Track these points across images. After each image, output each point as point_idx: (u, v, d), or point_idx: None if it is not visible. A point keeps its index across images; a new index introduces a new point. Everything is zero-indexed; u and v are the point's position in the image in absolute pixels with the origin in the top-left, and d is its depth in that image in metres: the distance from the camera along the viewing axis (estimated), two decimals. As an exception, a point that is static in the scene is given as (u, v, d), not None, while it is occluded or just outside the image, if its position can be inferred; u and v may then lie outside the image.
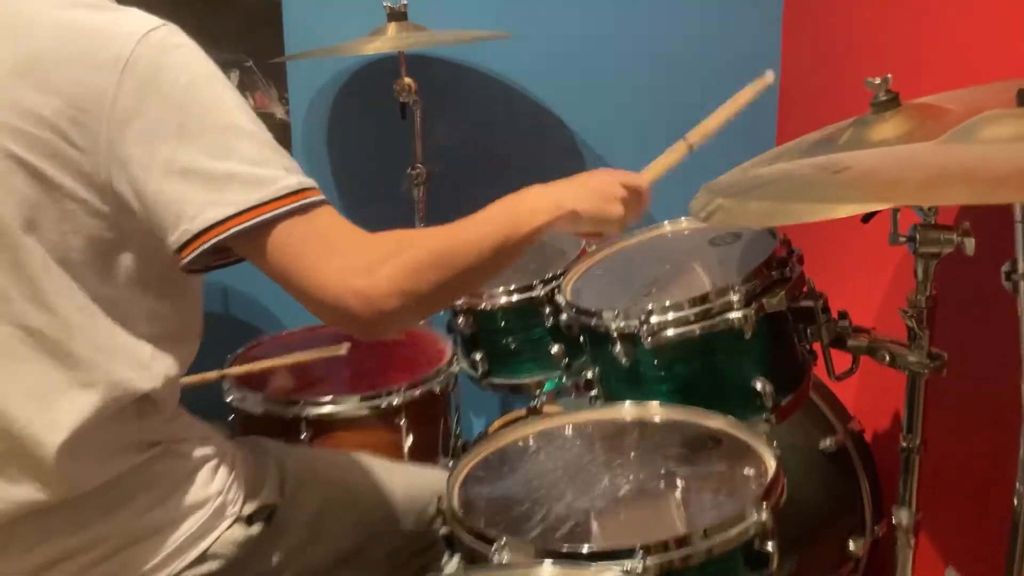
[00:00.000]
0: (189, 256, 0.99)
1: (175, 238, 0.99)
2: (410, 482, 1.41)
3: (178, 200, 0.98)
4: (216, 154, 0.98)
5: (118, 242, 1.04)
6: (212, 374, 1.70)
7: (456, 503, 1.17)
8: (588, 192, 1.20)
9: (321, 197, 1.02)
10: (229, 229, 0.97)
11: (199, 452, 1.17)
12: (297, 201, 1.00)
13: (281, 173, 1.00)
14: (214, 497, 1.16)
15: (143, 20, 1.01)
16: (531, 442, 1.34)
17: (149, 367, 1.09)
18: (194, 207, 0.97)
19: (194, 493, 1.14)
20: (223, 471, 1.18)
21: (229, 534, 1.16)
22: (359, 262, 1.00)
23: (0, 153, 0.98)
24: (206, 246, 0.98)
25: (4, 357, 1.03)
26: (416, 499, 1.38)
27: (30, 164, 0.99)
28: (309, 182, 1.02)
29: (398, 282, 1.00)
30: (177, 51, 1.00)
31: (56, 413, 1.04)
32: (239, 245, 1.00)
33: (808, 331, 1.36)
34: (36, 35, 1.00)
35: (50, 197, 1.00)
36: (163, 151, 0.97)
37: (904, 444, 1.25)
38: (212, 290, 2.23)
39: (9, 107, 0.98)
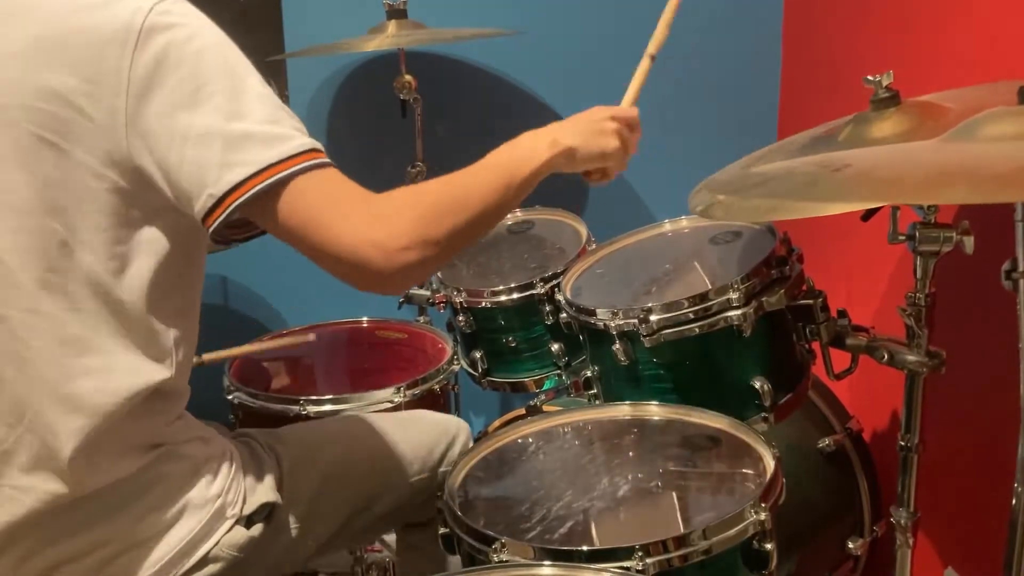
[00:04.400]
0: (215, 223, 1.00)
1: (200, 206, 1.00)
2: (414, 432, 1.40)
3: (199, 166, 0.99)
4: (231, 116, 0.99)
5: (141, 218, 1.04)
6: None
7: (455, 503, 1.17)
8: (581, 129, 1.23)
9: (329, 160, 1.04)
10: (251, 189, 0.98)
11: (200, 453, 1.17)
12: (313, 159, 1.01)
13: (295, 132, 1.02)
14: (214, 499, 1.15)
15: None
16: (530, 442, 1.34)
17: (171, 353, 1.10)
18: (215, 171, 0.98)
19: (195, 495, 1.14)
20: (223, 472, 1.18)
21: (229, 537, 1.16)
22: (374, 216, 1.02)
23: (23, 134, 0.99)
24: (231, 208, 0.99)
25: (18, 344, 1.03)
26: (420, 449, 1.38)
27: (52, 143, 0.99)
28: (318, 144, 1.04)
29: (413, 232, 1.02)
30: (185, 20, 1.01)
31: (70, 402, 1.04)
32: (257, 208, 1.00)
33: (807, 330, 1.36)
34: (40, 14, 1.00)
35: (73, 176, 1.00)
36: (182, 121, 0.98)
37: (903, 443, 1.25)
38: (213, 287, 2.23)
39: (25, 88, 0.99)
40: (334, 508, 1.29)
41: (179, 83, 0.98)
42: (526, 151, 1.16)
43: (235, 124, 0.99)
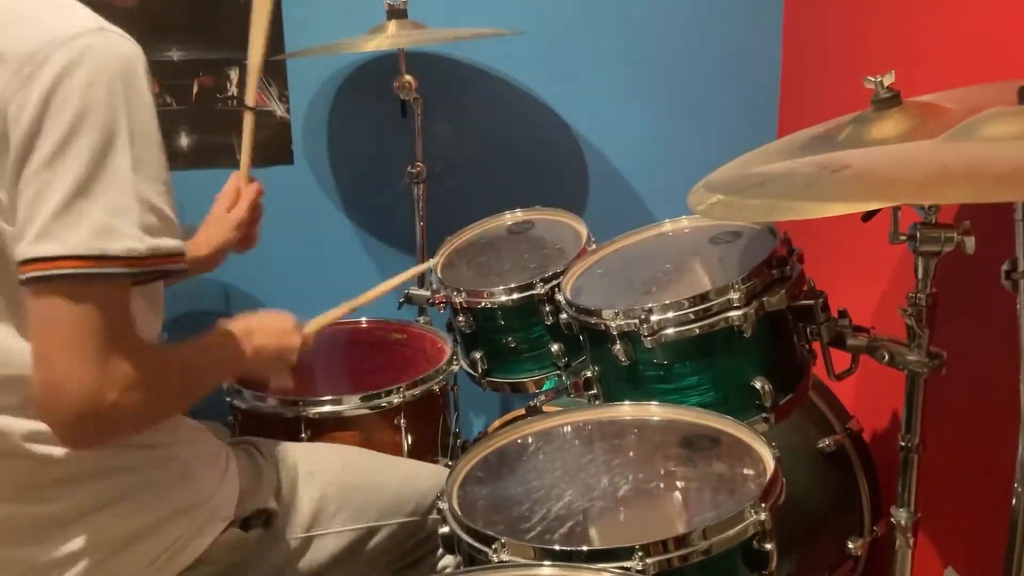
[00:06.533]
0: (24, 276, 0.94)
1: (19, 251, 0.95)
2: (408, 475, 1.41)
3: (32, 217, 0.94)
4: (80, 192, 0.93)
5: None
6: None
7: (455, 503, 1.17)
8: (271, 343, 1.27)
9: (166, 268, 0.99)
10: (57, 269, 0.93)
11: (192, 454, 1.16)
12: (143, 266, 0.96)
13: (135, 231, 0.95)
14: (206, 500, 1.15)
15: (77, 22, 0.95)
16: (530, 442, 1.34)
17: None
18: (36, 230, 0.93)
19: (186, 495, 1.14)
20: (216, 474, 1.18)
21: (223, 539, 1.16)
22: (86, 372, 0.94)
23: None
24: (30, 275, 0.93)
25: None
26: (413, 492, 1.38)
27: None
28: (171, 245, 0.99)
29: (122, 382, 0.96)
30: (86, 67, 0.93)
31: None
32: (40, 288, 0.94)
33: (808, 330, 1.36)
34: None
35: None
36: (44, 173, 0.93)
37: (903, 443, 1.25)
38: (214, 294, 2.24)
39: None
40: (331, 531, 1.29)
41: (54, 136, 0.92)
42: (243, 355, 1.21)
43: (79, 200, 0.93)
